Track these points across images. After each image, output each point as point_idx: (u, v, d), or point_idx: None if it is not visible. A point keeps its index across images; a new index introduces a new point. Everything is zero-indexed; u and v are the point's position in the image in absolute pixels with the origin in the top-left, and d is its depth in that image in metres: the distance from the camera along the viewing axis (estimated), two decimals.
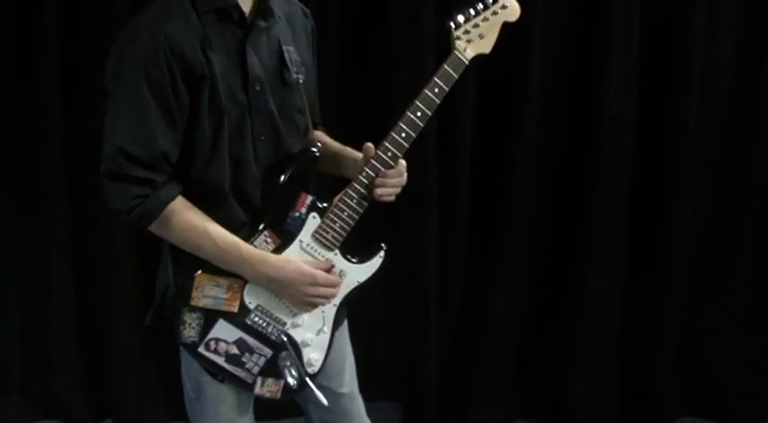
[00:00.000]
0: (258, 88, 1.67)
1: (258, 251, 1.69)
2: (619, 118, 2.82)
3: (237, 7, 1.64)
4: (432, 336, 2.93)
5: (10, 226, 2.81)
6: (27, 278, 2.86)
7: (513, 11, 1.76)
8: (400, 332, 2.95)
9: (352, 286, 1.79)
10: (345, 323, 1.92)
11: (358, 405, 1.98)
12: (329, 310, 1.78)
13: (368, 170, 1.71)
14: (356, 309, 1.90)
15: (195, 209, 1.65)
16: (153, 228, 1.64)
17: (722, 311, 3.07)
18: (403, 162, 1.75)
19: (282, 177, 1.71)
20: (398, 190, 1.76)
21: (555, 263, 2.98)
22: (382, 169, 1.71)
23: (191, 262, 1.68)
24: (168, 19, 1.58)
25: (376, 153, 1.71)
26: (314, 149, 1.73)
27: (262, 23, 1.68)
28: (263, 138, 1.70)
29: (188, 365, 1.80)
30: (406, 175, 1.77)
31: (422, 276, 2.87)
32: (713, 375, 3.09)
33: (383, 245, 1.81)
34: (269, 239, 1.70)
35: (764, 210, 2.98)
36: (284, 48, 1.73)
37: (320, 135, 1.93)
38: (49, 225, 2.79)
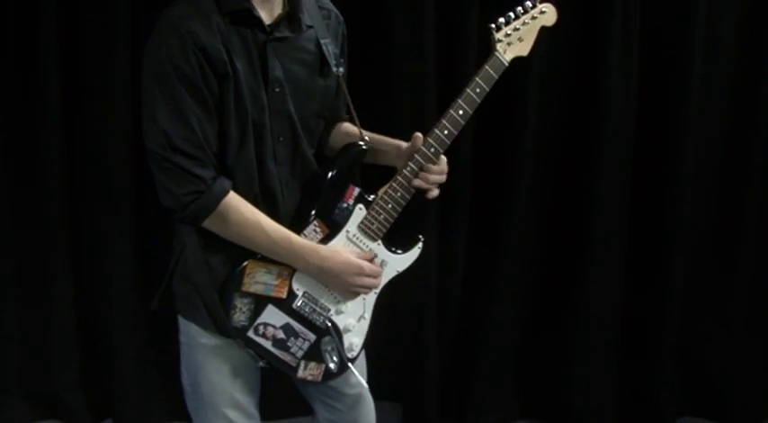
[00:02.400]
0: (278, 90, 1.71)
1: (308, 242, 1.76)
2: (619, 119, 2.83)
3: (251, 11, 1.67)
4: (432, 336, 2.93)
5: (10, 226, 2.81)
6: (27, 278, 2.85)
7: (551, 16, 1.85)
8: (400, 332, 2.95)
9: (392, 275, 1.88)
10: None
11: (367, 406, 2.00)
12: (370, 297, 1.86)
13: (411, 165, 1.78)
14: (390, 283, 1.92)
15: (246, 202, 1.70)
16: (207, 223, 1.69)
17: (722, 311, 3.07)
18: (444, 158, 1.82)
19: (332, 170, 1.79)
20: (439, 183, 1.83)
21: (555, 263, 2.98)
22: (425, 164, 1.79)
23: (232, 250, 1.72)
24: (191, 17, 1.62)
25: (420, 149, 1.78)
26: (361, 143, 1.81)
27: (286, 32, 1.72)
28: (281, 139, 1.74)
29: (185, 360, 1.85)
30: (446, 170, 1.83)
31: (422, 276, 2.86)
32: (713, 375, 3.10)
33: (421, 237, 1.90)
34: (318, 229, 1.77)
35: (764, 211, 2.98)
36: (322, 41, 1.78)
37: (348, 126, 1.96)
38: (48, 225, 2.79)
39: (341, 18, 1.89)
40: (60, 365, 2.90)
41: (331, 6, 1.88)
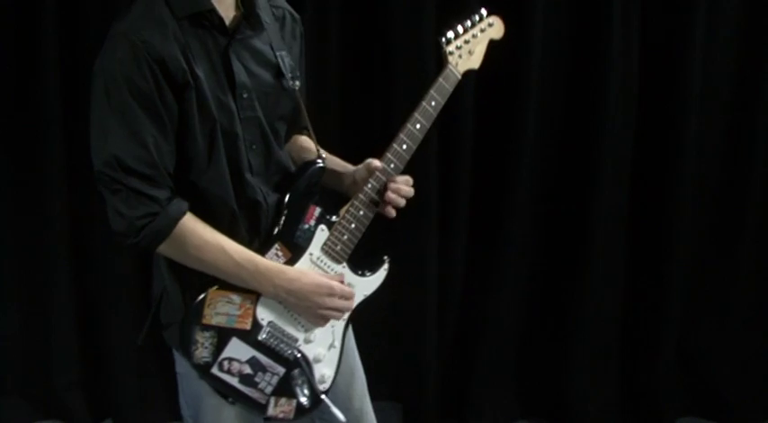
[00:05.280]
0: (245, 96, 1.62)
1: (274, 264, 1.66)
2: (618, 124, 2.83)
3: (215, 12, 1.59)
4: (432, 336, 2.93)
5: (10, 226, 2.81)
6: (27, 278, 2.85)
7: (498, 29, 1.85)
8: (400, 332, 2.95)
9: (360, 300, 1.78)
10: (352, 337, 1.89)
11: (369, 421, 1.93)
12: (338, 324, 1.77)
13: (372, 181, 1.72)
14: (357, 309, 1.86)
15: (205, 224, 1.60)
16: (163, 248, 1.58)
17: (722, 311, 3.07)
18: (408, 177, 1.76)
19: (291, 189, 1.70)
20: (407, 197, 1.75)
21: (555, 263, 2.98)
22: (387, 179, 1.73)
23: (195, 279, 1.64)
24: (145, 26, 1.52)
25: (380, 165, 1.71)
26: (318, 161, 1.73)
27: (248, 32, 1.64)
28: (254, 147, 1.66)
29: (183, 392, 1.77)
30: (412, 181, 1.76)
31: (422, 277, 2.87)
32: (713, 375, 3.10)
33: (386, 257, 1.81)
34: (280, 253, 1.68)
35: (764, 211, 2.98)
36: (278, 53, 1.69)
37: (305, 140, 1.89)
38: (49, 225, 2.79)
39: (297, 16, 1.80)
40: (60, 365, 2.91)
41: (285, 4, 1.79)
